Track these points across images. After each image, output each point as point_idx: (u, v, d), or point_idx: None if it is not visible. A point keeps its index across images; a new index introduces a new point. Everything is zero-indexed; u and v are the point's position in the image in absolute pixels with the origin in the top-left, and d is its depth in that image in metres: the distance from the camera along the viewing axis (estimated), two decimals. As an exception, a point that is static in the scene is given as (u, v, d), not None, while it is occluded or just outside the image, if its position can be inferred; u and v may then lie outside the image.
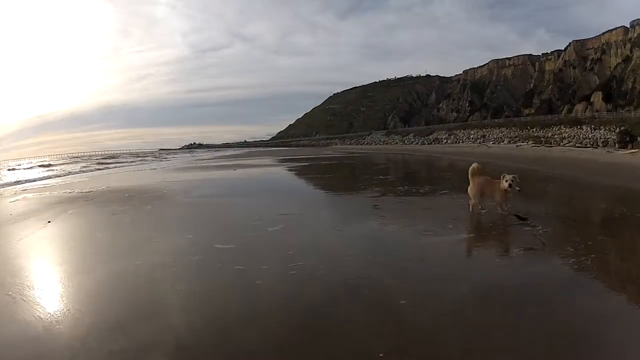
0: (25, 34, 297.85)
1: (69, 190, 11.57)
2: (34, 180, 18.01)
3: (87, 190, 11.24)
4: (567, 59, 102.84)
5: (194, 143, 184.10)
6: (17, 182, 17.29)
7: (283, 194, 10.08)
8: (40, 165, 36.80)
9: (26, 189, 13.18)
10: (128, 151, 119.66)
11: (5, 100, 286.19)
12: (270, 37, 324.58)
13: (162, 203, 8.55)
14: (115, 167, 30.91)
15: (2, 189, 14.31)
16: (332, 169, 19.52)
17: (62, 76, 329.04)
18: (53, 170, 28.68)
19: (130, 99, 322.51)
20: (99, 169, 28.16)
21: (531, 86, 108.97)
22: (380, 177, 13.84)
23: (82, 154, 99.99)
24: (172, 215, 7.24)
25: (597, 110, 70.29)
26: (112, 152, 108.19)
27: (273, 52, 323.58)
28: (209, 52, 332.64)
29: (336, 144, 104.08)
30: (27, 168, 35.14)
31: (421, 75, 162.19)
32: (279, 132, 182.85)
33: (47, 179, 18.93)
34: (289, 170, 18.74)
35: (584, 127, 43.98)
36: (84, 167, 31.32)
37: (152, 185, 11.88)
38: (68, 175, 21.94)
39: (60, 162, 51.70)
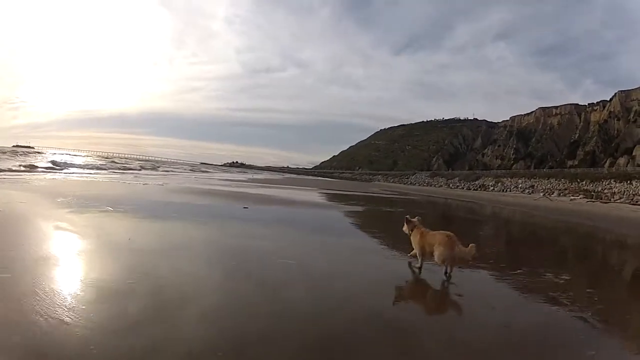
0: (83, 30, 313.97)
1: None
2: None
3: None
4: (612, 109, 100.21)
5: (236, 162, 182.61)
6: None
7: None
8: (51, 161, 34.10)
9: None
10: (167, 159, 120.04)
11: (54, 89, 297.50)
12: (324, 65, 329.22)
13: None
14: (116, 174, 23.79)
15: None
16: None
17: (113, 76, 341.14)
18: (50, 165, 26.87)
19: (177, 109, 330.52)
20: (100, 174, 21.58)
21: (576, 137, 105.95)
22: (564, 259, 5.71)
23: (114, 155, 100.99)
24: None
25: (638, 165, 67.64)
26: (139, 158, 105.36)
27: (325, 80, 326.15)
28: (262, 72, 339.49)
29: (379, 180, 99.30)
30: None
31: (468, 118, 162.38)
32: (322, 162, 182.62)
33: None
34: (347, 216, 11.80)
35: (633, 182, 40.94)
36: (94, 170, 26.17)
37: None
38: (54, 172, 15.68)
39: (75, 159, 47.68)
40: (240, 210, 10.47)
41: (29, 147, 79.61)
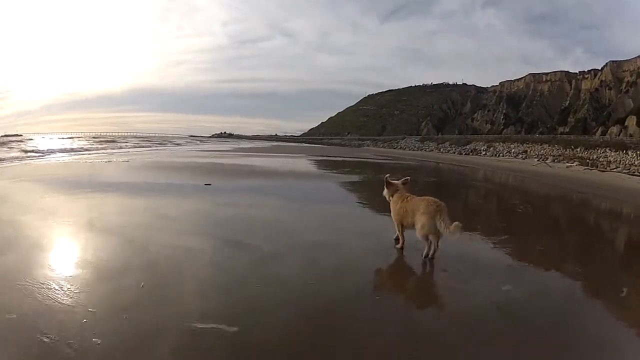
0: (63, 12, 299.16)
1: None
2: None
3: None
4: (603, 79, 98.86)
5: (224, 133, 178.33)
6: None
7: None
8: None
9: None
10: (155, 135, 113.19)
11: (35, 75, 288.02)
12: (310, 33, 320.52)
13: None
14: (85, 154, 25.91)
15: None
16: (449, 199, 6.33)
17: (97, 56, 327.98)
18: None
19: (164, 84, 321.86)
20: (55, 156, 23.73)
21: (567, 104, 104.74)
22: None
23: (101, 134, 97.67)
24: None
25: (630, 135, 66.04)
26: (118, 134, 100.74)
27: (312, 48, 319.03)
28: (248, 43, 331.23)
29: (368, 146, 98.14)
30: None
31: (457, 83, 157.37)
32: (311, 129, 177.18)
33: None
34: (351, 191, 10.00)
35: (629, 152, 39.34)
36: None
37: None
38: None
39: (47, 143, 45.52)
40: (199, 189, 8.27)
41: (16, 135, 77.23)
